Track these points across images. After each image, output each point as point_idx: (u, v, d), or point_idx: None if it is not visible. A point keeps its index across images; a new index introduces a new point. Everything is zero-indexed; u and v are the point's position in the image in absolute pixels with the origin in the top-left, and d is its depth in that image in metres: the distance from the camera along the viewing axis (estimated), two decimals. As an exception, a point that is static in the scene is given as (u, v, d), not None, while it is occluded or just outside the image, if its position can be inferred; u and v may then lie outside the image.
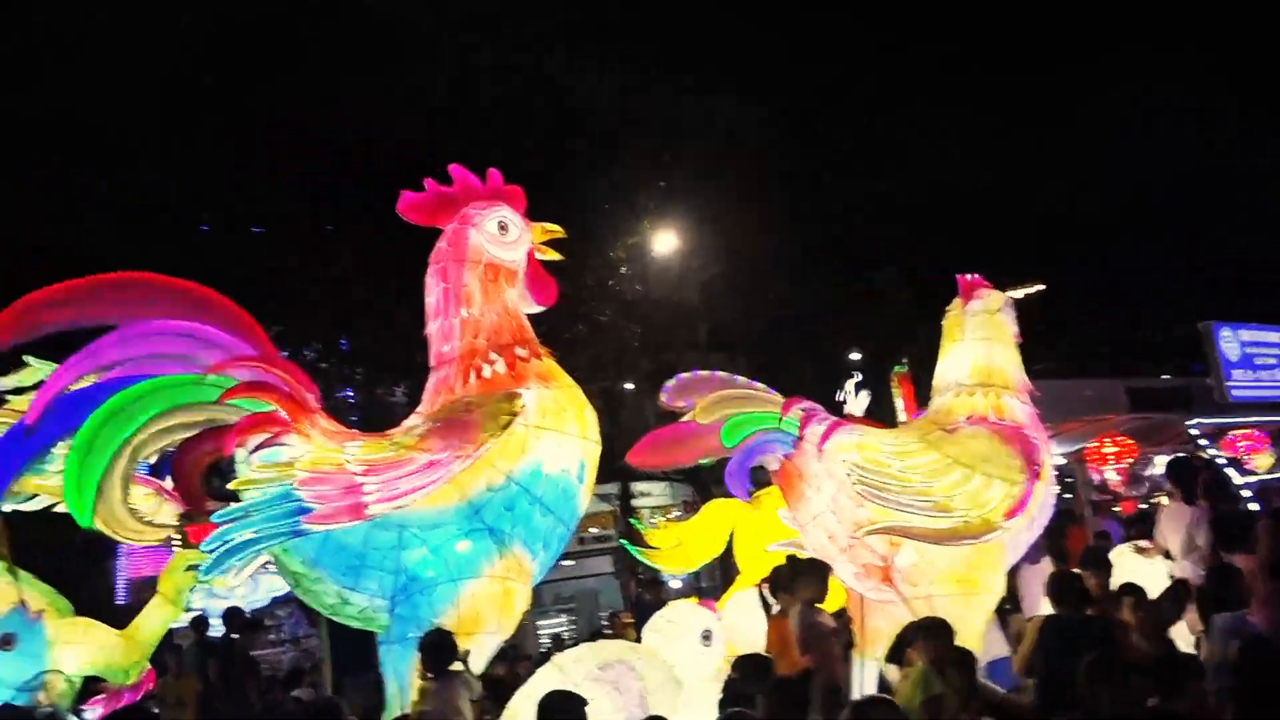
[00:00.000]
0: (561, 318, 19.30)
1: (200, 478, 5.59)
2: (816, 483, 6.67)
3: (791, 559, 7.20)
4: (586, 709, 4.76)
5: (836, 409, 10.86)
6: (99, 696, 9.44)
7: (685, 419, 6.79)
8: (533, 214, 6.60)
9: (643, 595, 18.15)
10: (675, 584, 17.64)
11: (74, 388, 5.47)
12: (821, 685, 6.22)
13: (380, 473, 5.44)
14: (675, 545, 8.97)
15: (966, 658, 5.92)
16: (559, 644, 15.67)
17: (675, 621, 6.17)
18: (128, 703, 9.59)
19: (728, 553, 9.09)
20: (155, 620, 9.37)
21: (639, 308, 20.21)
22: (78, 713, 9.01)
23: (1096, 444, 14.16)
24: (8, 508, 7.24)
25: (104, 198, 14.82)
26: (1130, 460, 14.25)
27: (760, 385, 7.05)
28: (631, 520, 17.15)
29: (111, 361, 5.51)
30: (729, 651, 6.20)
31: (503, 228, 6.41)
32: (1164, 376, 20.02)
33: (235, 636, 9.90)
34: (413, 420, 6.15)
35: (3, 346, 5.34)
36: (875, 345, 21.39)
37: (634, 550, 9.52)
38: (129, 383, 5.50)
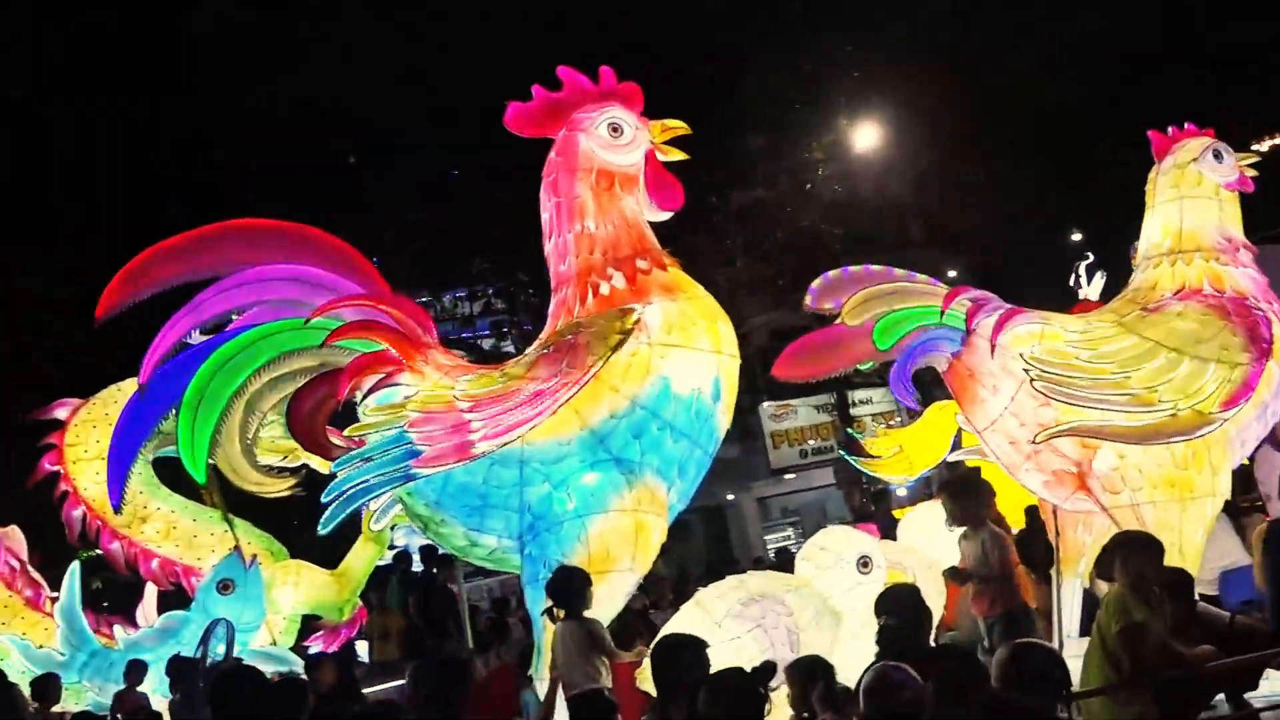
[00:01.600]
0: (757, 228, 18.68)
1: (320, 424, 5.45)
2: (992, 382, 5.84)
3: (960, 475, 6.38)
4: (709, 651, 4.23)
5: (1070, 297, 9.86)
6: (317, 634, 9.86)
7: (836, 323, 6.09)
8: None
9: (867, 506, 17.47)
10: (901, 492, 16.84)
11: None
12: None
13: (486, 408, 5.09)
14: (896, 452, 8.51)
15: (1180, 579, 5.02)
16: (783, 556, 15.32)
17: (828, 548, 5.53)
18: (345, 638, 9.99)
19: None
20: (361, 558, 9.59)
21: (845, 211, 19.13)
22: (301, 650, 9.39)
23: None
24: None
25: None
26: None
27: (923, 277, 6.22)
28: (849, 430, 16.45)
29: (217, 314, 5.41)
30: (892, 578, 5.52)
31: (614, 130, 5.81)
32: None
33: (435, 571, 10.05)
34: (532, 348, 5.77)
35: (112, 310, 5.33)
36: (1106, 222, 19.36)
37: (853, 460, 9.16)
38: (237, 333, 5.40)
